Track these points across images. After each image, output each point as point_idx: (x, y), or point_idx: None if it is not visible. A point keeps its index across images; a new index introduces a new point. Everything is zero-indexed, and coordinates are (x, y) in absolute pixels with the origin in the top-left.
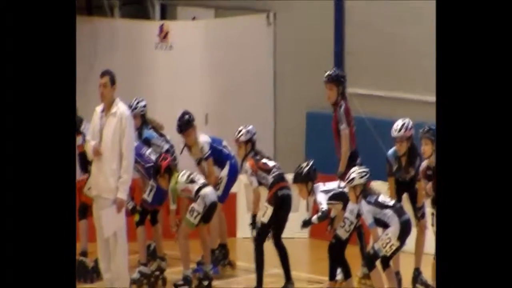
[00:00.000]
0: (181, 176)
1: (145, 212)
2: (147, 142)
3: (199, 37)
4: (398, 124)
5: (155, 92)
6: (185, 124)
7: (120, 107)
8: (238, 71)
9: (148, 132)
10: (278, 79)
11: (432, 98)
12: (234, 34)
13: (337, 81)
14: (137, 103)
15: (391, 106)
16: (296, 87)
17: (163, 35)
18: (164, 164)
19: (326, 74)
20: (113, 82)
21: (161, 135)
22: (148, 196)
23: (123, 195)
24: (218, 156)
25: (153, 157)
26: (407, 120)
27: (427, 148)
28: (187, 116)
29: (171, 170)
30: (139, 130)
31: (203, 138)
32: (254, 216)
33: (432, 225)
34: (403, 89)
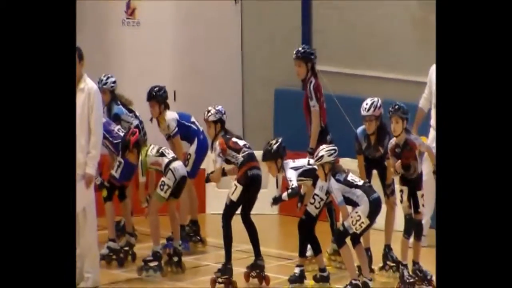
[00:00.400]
0: (151, 150)
1: (113, 188)
2: (117, 118)
3: (166, 13)
4: (367, 102)
5: (123, 69)
6: (149, 96)
7: (88, 83)
8: (206, 48)
9: (117, 108)
10: (246, 56)
11: (399, 76)
12: (202, 11)
13: (306, 57)
14: (107, 78)
15: (359, 84)
16: (264, 64)
17: (130, 11)
18: (132, 139)
19: (295, 50)
20: (80, 57)
21: (130, 110)
22: (115, 172)
23: (91, 170)
24: (186, 132)
25: (122, 134)
26: (376, 99)
27: (397, 127)
28: (156, 89)
29: (139, 145)
30: (109, 106)
31: (170, 115)
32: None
33: (401, 201)
34: (372, 67)
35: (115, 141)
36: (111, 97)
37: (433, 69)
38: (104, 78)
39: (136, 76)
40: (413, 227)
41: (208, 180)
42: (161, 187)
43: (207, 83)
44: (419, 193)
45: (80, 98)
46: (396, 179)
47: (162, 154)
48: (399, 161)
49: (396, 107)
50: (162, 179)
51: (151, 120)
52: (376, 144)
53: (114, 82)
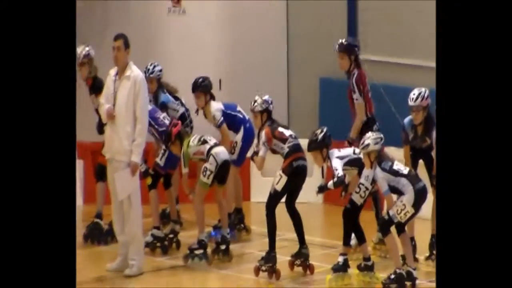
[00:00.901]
0: (193, 140)
1: (158, 176)
2: (163, 106)
3: (212, 2)
4: (414, 93)
5: (168, 57)
6: (194, 86)
7: (134, 70)
8: (252, 38)
9: (164, 96)
10: (291, 45)
11: None
12: (249, 1)
13: (348, 50)
14: (154, 67)
15: (405, 74)
16: (309, 54)
17: (176, 0)
18: (174, 130)
19: (338, 43)
20: (126, 45)
21: (176, 98)
22: (160, 160)
23: (137, 158)
24: (232, 121)
25: (167, 121)
26: (423, 90)
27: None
28: (200, 80)
29: (181, 136)
30: (155, 94)
31: (215, 106)
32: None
33: None
34: (418, 57)
35: (161, 129)
36: (158, 85)
37: None
38: (151, 67)
39: (181, 64)
40: None
41: (252, 159)
42: (204, 173)
43: (252, 73)
44: None
45: (125, 86)
46: None
47: (204, 142)
48: None
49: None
50: (204, 165)
51: (196, 111)
52: (423, 134)
53: (160, 70)
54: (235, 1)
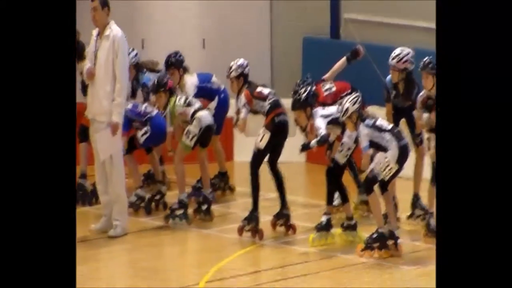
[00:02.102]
0: (179, 99)
1: (134, 147)
2: (145, 86)
3: None
4: (395, 52)
5: (152, 18)
6: (167, 64)
7: (113, 30)
8: None
9: (144, 77)
10: (274, 4)
11: (429, 25)
12: None
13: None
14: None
15: (388, 32)
16: (292, 13)
17: None
18: (170, 82)
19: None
20: (103, 5)
21: (158, 72)
22: (141, 137)
23: (117, 118)
24: (207, 93)
25: (149, 109)
26: (405, 51)
27: (426, 82)
28: (172, 56)
29: (172, 92)
30: (136, 79)
31: (190, 81)
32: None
33: (428, 148)
34: (400, 15)
35: (144, 119)
36: (136, 70)
37: None
38: None
39: (166, 25)
40: None
41: (235, 125)
42: (187, 135)
43: (235, 31)
44: None
45: (105, 45)
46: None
47: (189, 104)
48: (433, 113)
49: (427, 61)
50: (188, 127)
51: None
52: (404, 94)
53: (135, 55)
54: None
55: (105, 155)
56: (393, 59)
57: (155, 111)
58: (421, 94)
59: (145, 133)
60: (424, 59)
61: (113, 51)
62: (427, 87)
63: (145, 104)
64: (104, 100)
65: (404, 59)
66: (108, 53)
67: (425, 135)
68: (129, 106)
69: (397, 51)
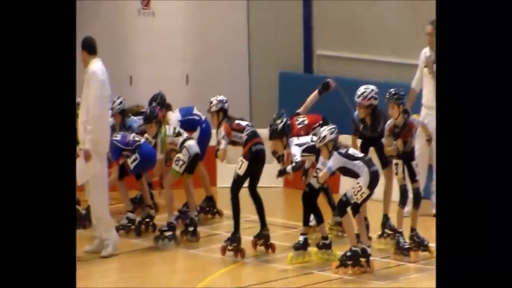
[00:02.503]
0: (168, 129)
1: (125, 173)
2: (131, 128)
3: (179, 3)
4: (360, 90)
5: (139, 57)
6: (151, 101)
7: (91, 67)
8: (215, 35)
9: (130, 121)
10: (252, 43)
11: (397, 60)
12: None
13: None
14: (113, 103)
15: (357, 67)
16: (268, 49)
17: (146, 2)
18: (160, 114)
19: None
20: (84, 48)
21: (141, 113)
22: (131, 164)
23: (87, 145)
24: (190, 125)
25: (137, 138)
26: (369, 89)
27: (393, 112)
28: (154, 96)
29: (161, 122)
30: (123, 124)
31: (173, 116)
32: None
33: (396, 174)
34: (369, 51)
35: (133, 148)
36: (122, 116)
37: (423, 52)
38: (111, 104)
39: (151, 63)
40: (407, 197)
41: (216, 155)
42: (176, 162)
43: (216, 67)
44: (413, 163)
45: (86, 81)
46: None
47: (178, 134)
48: (400, 140)
49: (392, 93)
50: (177, 155)
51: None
52: (371, 126)
53: (120, 103)
54: (199, 2)
55: (81, 180)
56: (358, 97)
57: (142, 140)
58: (388, 122)
59: (135, 160)
60: (390, 90)
61: (88, 85)
62: (394, 116)
63: (133, 134)
64: (83, 130)
65: (369, 96)
66: (85, 88)
67: (394, 161)
68: (118, 137)
69: (361, 89)
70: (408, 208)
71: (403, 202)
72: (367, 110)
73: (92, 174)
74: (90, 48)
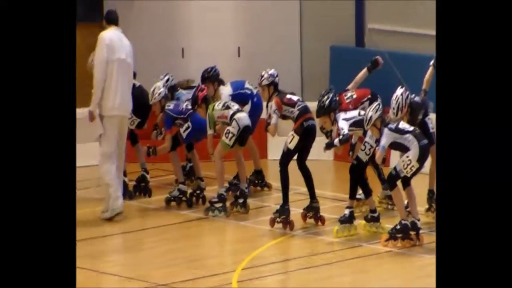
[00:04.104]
0: (218, 104)
1: (178, 143)
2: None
3: None
4: (392, 105)
5: (191, 29)
6: (203, 78)
7: (102, 32)
8: (267, 7)
9: (176, 94)
10: (303, 16)
11: None
12: None
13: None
14: (153, 93)
15: (409, 41)
16: (320, 23)
17: None
18: (200, 95)
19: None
20: (106, 21)
21: (191, 87)
22: (183, 133)
23: (91, 106)
24: (241, 99)
25: (190, 107)
26: (399, 97)
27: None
28: (207, 71)
29: (207, 100)
30: (172, 98)
31: (224, 90)
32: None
33: None
34: (420, 25)
35: (186, 116)
36: (171, 92)
37: None
38: (151, 94)
39: (203, 35)
40: None
41: (266, 129)
42: (226, 135)
43: (267, 40)
44: None
45: None
46: None
47: (228, 107)
48: None
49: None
50: (227, 128)
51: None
52: (410, 122)
53: (167, 80)
54: None
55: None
56: (396, 114)
57: None
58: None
59: (187, 128)
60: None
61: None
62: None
63: (186, 103)
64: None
65: (404, 103)
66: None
67: None
68: (171, 106)
69: (392, 103)
70: None
71: None
72: (407, 114)
73: (95, 137)
74: (107, 19)
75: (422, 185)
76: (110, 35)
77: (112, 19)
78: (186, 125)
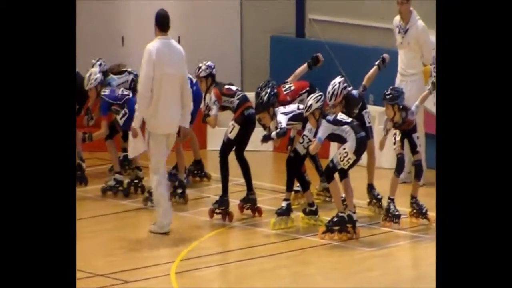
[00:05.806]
0: None
1: (115, 131)
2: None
3: None
4: (328, 91)
5: (130, 17)
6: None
7: (150, 43)
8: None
9: (108, 79)
10: (244, 5)
11: (388, 25)
12: None
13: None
14: (89, 78)
15: (349, 32)
16: (260, 13)
17: None
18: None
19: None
20: (158, 26)
21: (122, 72)
22: (120, 120)
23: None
24: None
25: (126, 92)
26: (336, 85)
27: (388, 112)
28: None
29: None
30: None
31: None
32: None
33: (394, 143)
34: (361, 16)
35: (122, 102)
36: (101, 86)
37: (394, 19)
38: (87, 81)
39: (144, 23)
40: (403, 166)
41: (204, 121)
42: None
43: (208, 29)
44: (414, 135)
45: None
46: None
47: None
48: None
49: (386, 93)
50: None
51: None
52: (346, 113)
53: (96, 79)
54: None
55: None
56: (330, 99)
57: (131, 94)
58: (386, 119)
59: (124, 115)
60: (385, 91)
61: None
62: (389, 115)
63: (121, 89)
64: None
65: (339, 91)
66: None
67: (392, 131)
68: (107, 91)
69: (329, 89)
70: (403, 176)
71: (398, 170)
72: (341, 105)
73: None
74: (159, 23)
75: (357, 177)
76: (158, 47)
77: (163, 24)
78: (122, 111)
